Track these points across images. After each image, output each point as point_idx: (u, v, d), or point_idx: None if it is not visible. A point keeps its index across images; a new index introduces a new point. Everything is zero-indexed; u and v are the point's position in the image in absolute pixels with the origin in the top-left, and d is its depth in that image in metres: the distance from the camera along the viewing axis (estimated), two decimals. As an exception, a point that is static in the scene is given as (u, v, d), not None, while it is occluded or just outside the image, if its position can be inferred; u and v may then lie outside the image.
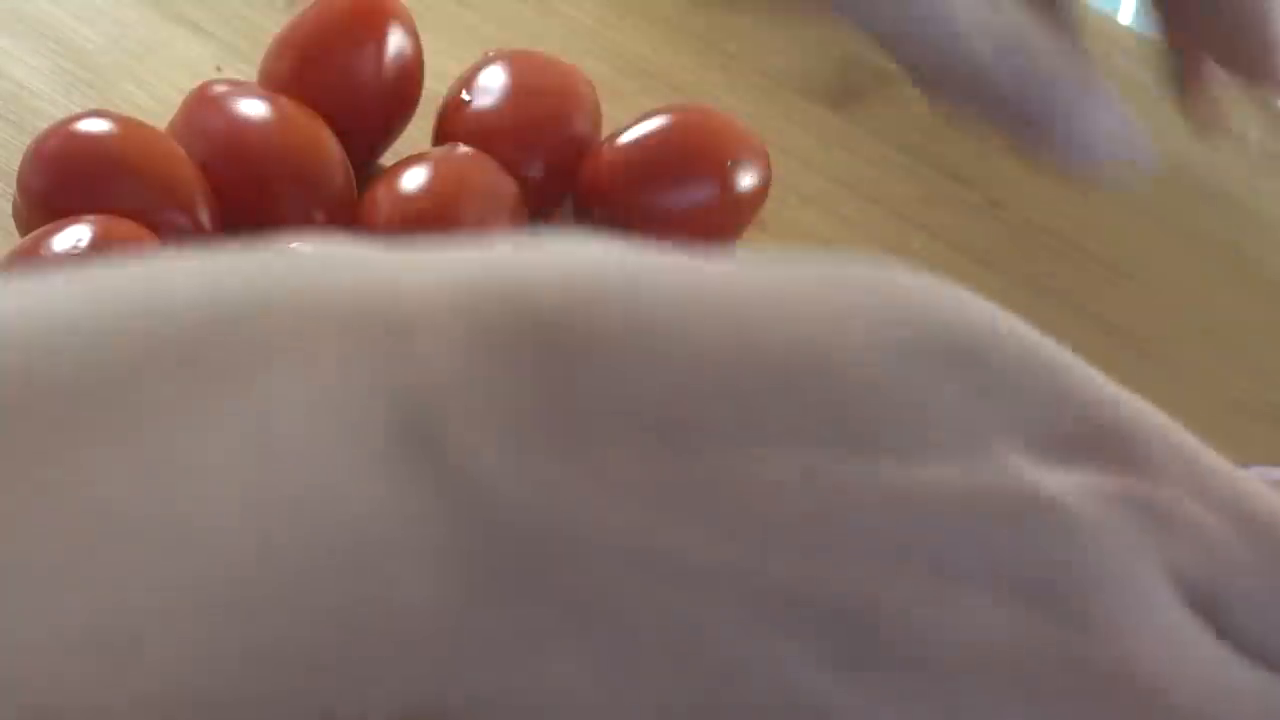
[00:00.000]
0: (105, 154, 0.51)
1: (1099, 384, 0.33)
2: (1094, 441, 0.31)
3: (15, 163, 0.54)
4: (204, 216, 0.51)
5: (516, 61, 0.55)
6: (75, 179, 0.51)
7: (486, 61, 0.56)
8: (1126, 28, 0.67)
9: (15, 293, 0.29)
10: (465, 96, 0.55)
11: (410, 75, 0.55)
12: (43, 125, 0.56)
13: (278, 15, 0.61)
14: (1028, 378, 0.32)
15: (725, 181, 0.53)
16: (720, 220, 0.54)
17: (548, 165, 0.54)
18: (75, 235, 0.48)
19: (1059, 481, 0.30)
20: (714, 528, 0.28)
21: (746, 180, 0.53)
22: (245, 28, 0.60)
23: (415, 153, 0.54)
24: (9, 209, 0.53)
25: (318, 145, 0.52)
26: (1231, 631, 0.31)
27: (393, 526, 0.27)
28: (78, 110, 0.56)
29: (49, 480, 0.26)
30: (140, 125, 0.52)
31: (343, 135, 0.53)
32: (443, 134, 0.55)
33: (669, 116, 0.54)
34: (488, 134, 0.53)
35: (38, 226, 0.50)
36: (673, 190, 0.53)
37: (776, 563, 0.28)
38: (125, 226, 0.48)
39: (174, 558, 0.26)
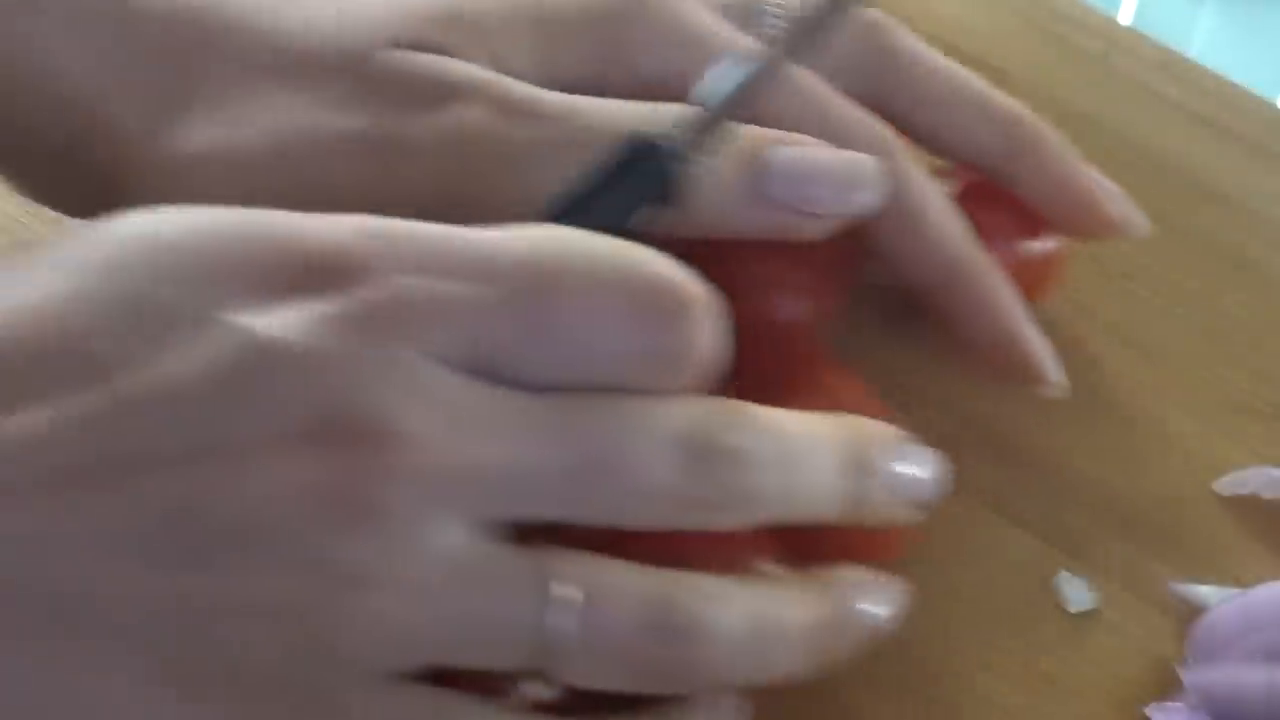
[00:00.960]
0: None
1: (299, 224, 0.34)
2: (306, 275, 0.33)
3: (15, 163, 0.54)
4: None
5: None
6: None
7: None
8: (1126, 28, 0.67)
9: None
10: None
11: None
12: (43, 125, 0.56)
13: (278, 15, 0.61)
14: (234, 244, 0.34)
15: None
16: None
17: None
18: None
19: (277, 322, 0.32)
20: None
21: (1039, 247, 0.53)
22: (245, 28, 0.60)
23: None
24: (10, 209, 0.53)
25: None
26: (492, 374, 0.34)
27: None
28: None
29: None
30: None
31: None
32: None
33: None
34: None
35: None
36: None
37: (77, 501, 0.31)
38: None
39: None
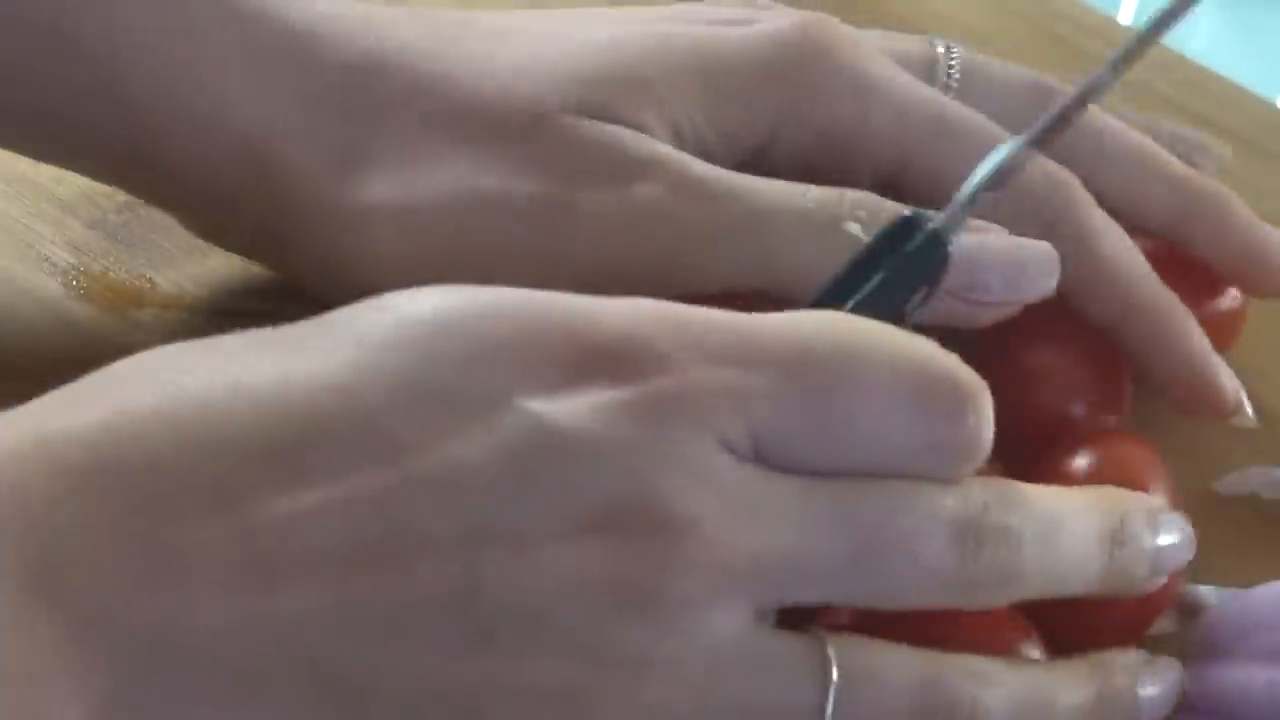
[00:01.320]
0: None
1: (588, 308, 0.34)
2: (597, 361, 0.34)
3: (15, 163, 0.54)
4: None
5: None
6: None
7: None
8: (1127, 28, 0.67)
9: None
10: None
11: None
12: (43, 125, 0.56)
13: (277, 15, 0.61)
14: (526, 327, 0.34)
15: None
16: None
17: None
18: None
19: (569, 408, 0.32)
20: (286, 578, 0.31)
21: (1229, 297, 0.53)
22: (245, 27, 0.60)
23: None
24: (9, 210, 0.53)
25: None
26: (771, 459, 0.34)
27: (38, 671, 0.29)
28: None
29: None
30: None
31: None
32: None
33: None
34: None
35: None
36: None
37: (363, 580, 0.31)
38: None
39: None
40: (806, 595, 0.35)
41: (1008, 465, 0.47)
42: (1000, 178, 0.41)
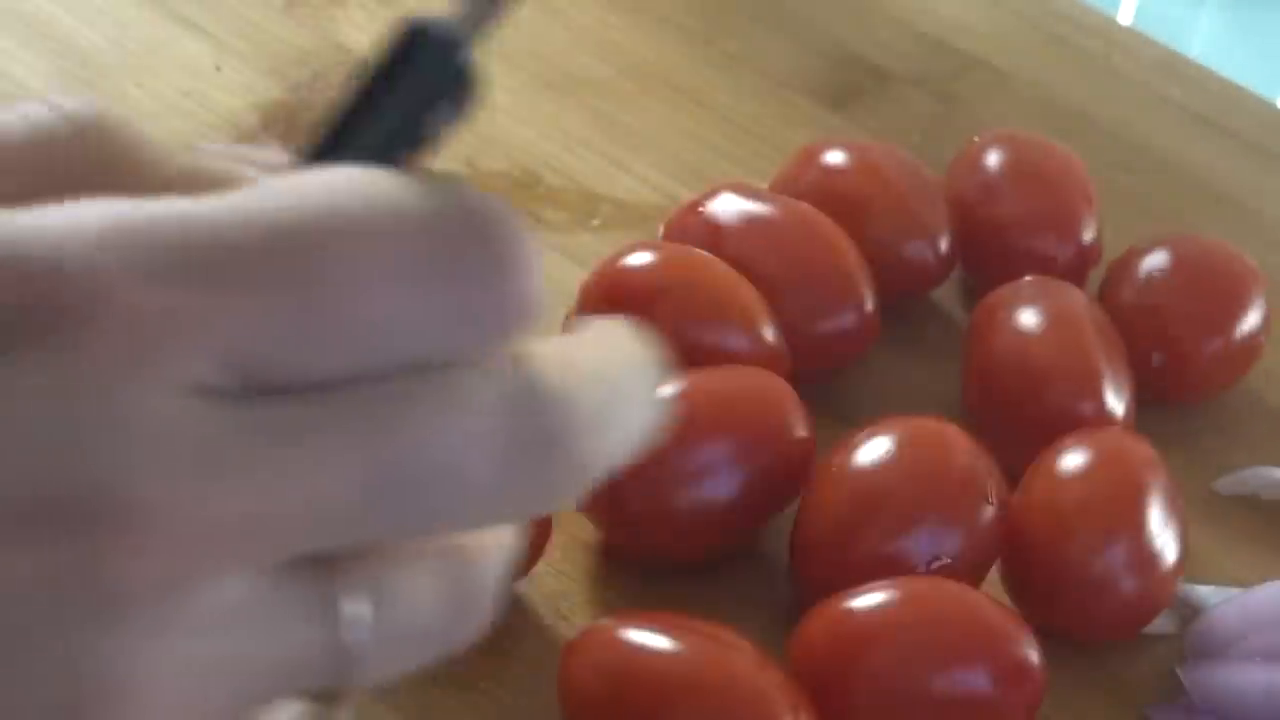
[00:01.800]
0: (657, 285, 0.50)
1: (10, 234, 0.28)
2: (12, 311, 0.27)
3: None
4: (768, 335, 0.50)
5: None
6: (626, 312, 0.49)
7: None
8: (1126, 28, 0.67)
9: None
10: None
11: None
12: (43, 125, 0.56)
13: (277, 15, 0.61)
14: None
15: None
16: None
17: None
18: None
19: None
20: None
21: (1251, 321, 0.53)
22: (245, 28, 0.60)
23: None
24: (9, 209, 0.53)
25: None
26: (263, 383, 0.28)
27: None
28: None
29: None
30: (689, 252, 0.51)
31: None
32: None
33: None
34: None
35: None
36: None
37: None
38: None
39: None
40: (325, 543, 0.29)
41: (1008, 465, 0.48)
42: None
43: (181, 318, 0.27)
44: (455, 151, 0.57)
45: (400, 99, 0.30)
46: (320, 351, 0.28)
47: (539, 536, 0.46)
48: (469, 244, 0.28)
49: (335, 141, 0.30)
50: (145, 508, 0.27)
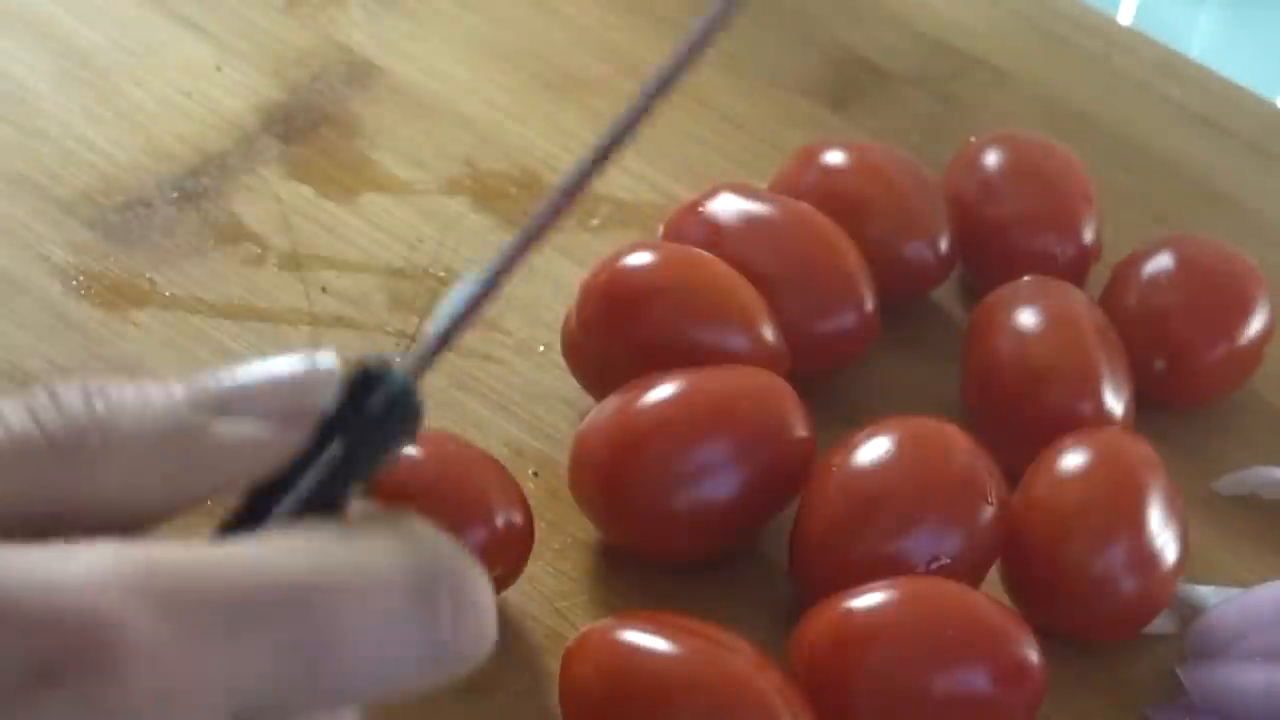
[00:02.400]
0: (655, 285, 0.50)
1: (41, 583, 0.29)
2: (51, 661, 0.29)
3: (15, 163, 0.54)
4: (768, 335, 0.49)
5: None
6: (627, 312, 0.49)
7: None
8: (1126, 28, 0.67)
9: None
10: None
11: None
12: (43, 125, 0.56)
13: (277, 15, 0.61)
14: None
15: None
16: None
17: None
18: None
19: None
20: None
21: (1255, 326, 0.53)
22: (245, 28, 0.60)
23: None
24: (9, 210, 0.53)
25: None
26: (257, 715, 0.30)
27: None
28: (77, 110, 0.56)
29: None
30: (689, 252, 0.51)
31: None
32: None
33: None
34: None
35: (593, 357, 0.50)
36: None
37: None
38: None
39: None
40: None
41: (1008, 465, 0.48)
42: (470, 315, 0.36)
43: (204, 668, 0.29)
44: (455, 151, 0.58)
45: (355, 438, 0.33)
46: (312, 693, 0.31)
47: (520, 547, 0.45)
48: (440, 594, 0.32)
49: (297, 472, 0.33)
50: None
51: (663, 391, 0.47)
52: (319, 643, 0.31)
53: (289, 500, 0.33)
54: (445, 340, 0.35)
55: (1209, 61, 0.66)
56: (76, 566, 0.29)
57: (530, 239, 0.37)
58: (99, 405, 0.32)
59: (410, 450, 0.35)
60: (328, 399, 0.33)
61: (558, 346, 0.51)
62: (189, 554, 0.30)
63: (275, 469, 0.33)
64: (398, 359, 0.34)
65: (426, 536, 0.33)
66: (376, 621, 0.31)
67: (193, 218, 0.54)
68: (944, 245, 0.54)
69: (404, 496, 0.44)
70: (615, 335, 0.49)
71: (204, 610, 0.30)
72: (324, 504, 0.33)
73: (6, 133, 0.55)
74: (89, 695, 0.28)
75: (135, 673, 0.29)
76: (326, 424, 0.33)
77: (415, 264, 0.54)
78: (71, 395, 0.32)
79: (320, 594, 0.31)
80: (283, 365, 0.34)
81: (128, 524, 0.32)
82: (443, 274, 0.53)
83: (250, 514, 0.32)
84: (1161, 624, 0.48)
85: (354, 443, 0.33)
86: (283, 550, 0.31)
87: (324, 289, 0.53)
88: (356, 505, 0.33)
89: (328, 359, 0.34)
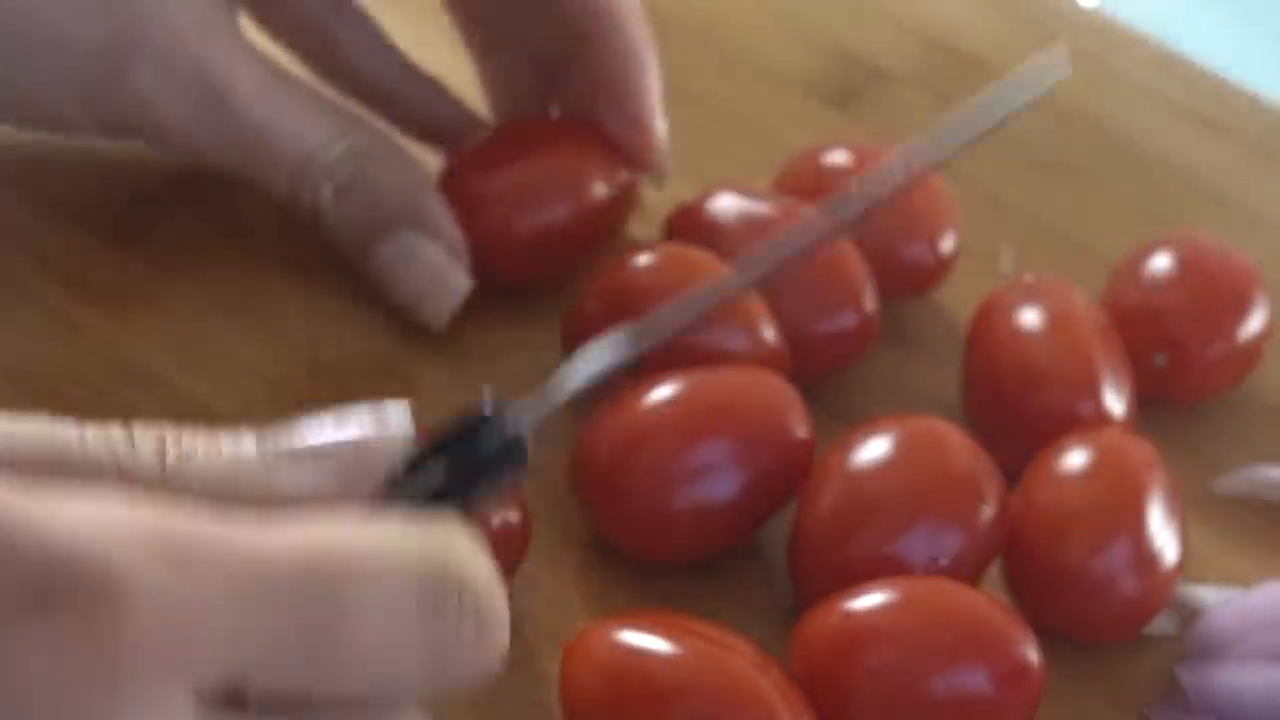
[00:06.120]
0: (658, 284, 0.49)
1: (41, 521, 0.29)
2: (48, 594, 0.29)
3: (16, 164, 0.54)
4: (768, 335, 0.49)
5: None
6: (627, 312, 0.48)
7: None
8: (1127, 28, 0.67)
9: None
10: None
11: None
12: (43, 126, 0.56)
13: (278, 15, 0.61)
14: None
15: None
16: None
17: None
18: None
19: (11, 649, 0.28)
20: None
21: (1254, 325, 0.53)
22: (244, 27, 0.60)
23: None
24: (9, 210, 0.53)
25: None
26: (254, 696, 0.31)
27: None
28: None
29: None
30: (689, 252, 0.51)
31: None
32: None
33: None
34: None
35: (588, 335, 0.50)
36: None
37: None
38: None
39: None
40: None
41: (1008, 465, 0.48)
42: (602, 377, 0.38)
43: (205, 621, 0.30)
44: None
45: (465, 471, 0.34)
46: (311, 672, 0.31)
47: (517, 546, 0.46)
48: (450, 595, 0.32)
49: (408, 477, 0.34)
50: None
51: (663, 391, 0.47)
52: (322, 617, 0.31)
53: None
54: (572, 396, 0.36)
55: (1209, 61, 0.66)
56: (92, 508, 0.30)
57: (697, 307, 0.39)
58: (171, 454, 0.33)
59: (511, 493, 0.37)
60: (394, 460, 0.34)
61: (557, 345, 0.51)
62: (206, 516, 0.31)
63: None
64: (517, 404, 0.35)
65: (454, 540, 0.33)
66: (382, 606, 0.31)
67: (194, 218, 0.54)
68: (944, 245, 0.54)
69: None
70: None
71: (213, 567, 0.30)
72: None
73: (6, 132, 0.55)
74: (87, 623, 0.28)
75: (136, 609, 0.29)
76: (431, 450, 0.34)
77: (415, 264, 0.54)
78: (147, 441, 0.33)
79: (330, 567, 0.31)
80: (353, 425, 0.35)
81: None
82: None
83: None
84: (1161, 624, 0.48)
85: (455, 479, 0.34)
86: (300, 524, 0.32)
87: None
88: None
89: (399, 417, 0.35)
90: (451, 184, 0.52)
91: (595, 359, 0.39)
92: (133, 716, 0.29)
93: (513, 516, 0.45)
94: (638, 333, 0.39)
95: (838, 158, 0.55)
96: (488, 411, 0.35)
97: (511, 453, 0.34)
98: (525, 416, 0.35)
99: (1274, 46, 0.83)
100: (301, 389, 0.50)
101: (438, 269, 0.51)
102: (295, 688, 0.31)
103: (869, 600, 0.44)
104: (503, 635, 0.33)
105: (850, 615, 0.44)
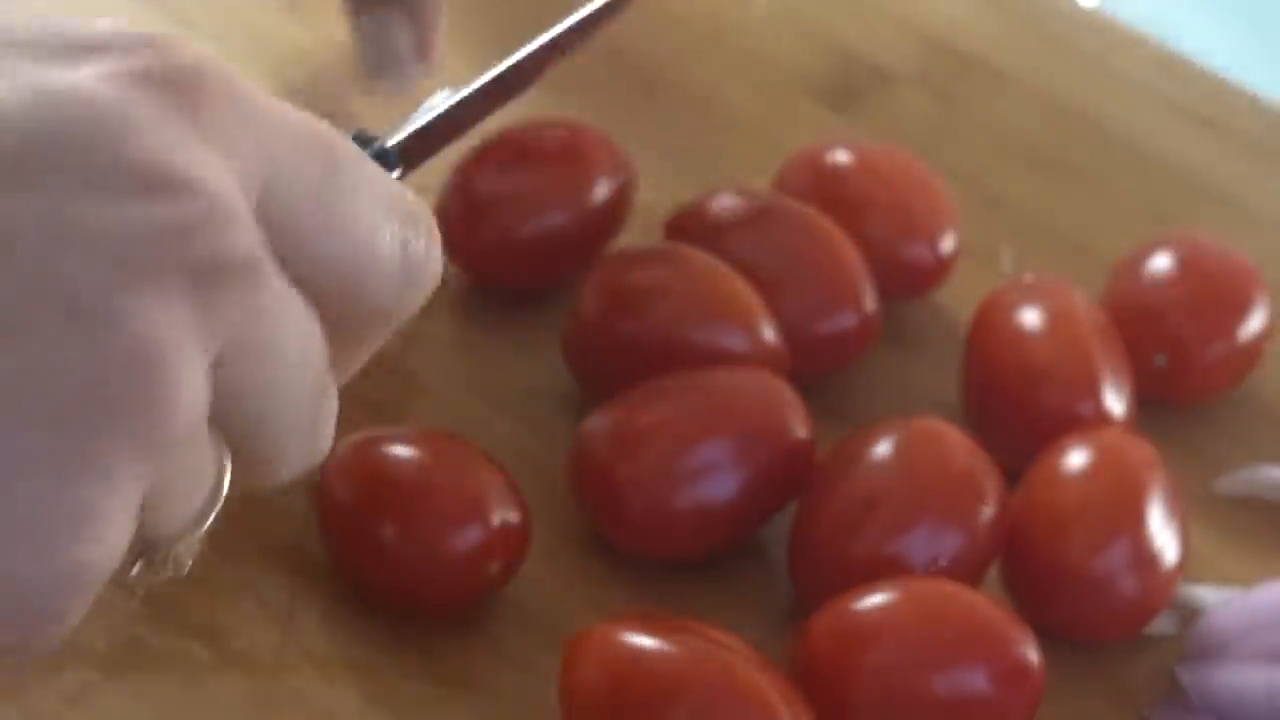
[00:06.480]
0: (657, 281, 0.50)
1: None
2: (110, 39, 0.33)
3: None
4: (768, 335, 0.49)
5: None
6: (627, 312, 0.49)
7: None
8: (1127, 28, 0.67)
9: None
10: None
11: None
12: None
13: (278, 15, 0.61)
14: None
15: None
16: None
17: None
18: None
19: (74, 75, 0.31)
20: None
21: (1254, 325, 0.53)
22: (245, 27, 0.60)
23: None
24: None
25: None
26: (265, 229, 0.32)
27: None
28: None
29: None
30: (689, 252, 0.51)
31: None
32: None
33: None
34: None
35: (592, 357, 0.50)
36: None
37: None
38: None
39: None
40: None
41: (1008, 465, 0.48)
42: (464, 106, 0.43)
43: (260, 134, 0.33)
44: (454, 150, 0.57)
45: None
46: (317, 219, 0.33)
47: (517, 546, 0.46)
48: (420, 219, 0.35)
49: None
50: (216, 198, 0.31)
51: (663, 391, 0.47)
52: (328, 167, 0.34)
53: None
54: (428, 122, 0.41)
55: (1209, 61, 0.66)
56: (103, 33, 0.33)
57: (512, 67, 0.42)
58: None
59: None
60: None
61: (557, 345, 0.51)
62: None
63: None
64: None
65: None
66: (368, 191, 0.34)
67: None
68: (944, 245, 0.54)
69: (402, 494, 0.45)
70: (615, 335, 0.49)
71: (227, 101, 0.33)
72: None
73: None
74: (90, 157, 0.29)
75: (147, 131, 0.30)
76: None
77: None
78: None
79: (333, 140, 0.34)
80: None
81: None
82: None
83: None
84: (1161, 624, 0.48)
85: None
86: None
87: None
88: None
89: None
90: (456, 189, 0.52)
91: (458, 94, 0.43)
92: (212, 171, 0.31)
93: (513, 516, 0.45)
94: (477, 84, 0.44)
95: (838, 158, 0.55)
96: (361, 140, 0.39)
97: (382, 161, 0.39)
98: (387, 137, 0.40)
99: (1274, 46, 0.83)
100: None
101: (399, 55, 0.53)
102: (300, 223, 0.33)
103: (869, 600, 0.44)
104: (439, 269, 0.36)
105: (850, 615, 0.44)
